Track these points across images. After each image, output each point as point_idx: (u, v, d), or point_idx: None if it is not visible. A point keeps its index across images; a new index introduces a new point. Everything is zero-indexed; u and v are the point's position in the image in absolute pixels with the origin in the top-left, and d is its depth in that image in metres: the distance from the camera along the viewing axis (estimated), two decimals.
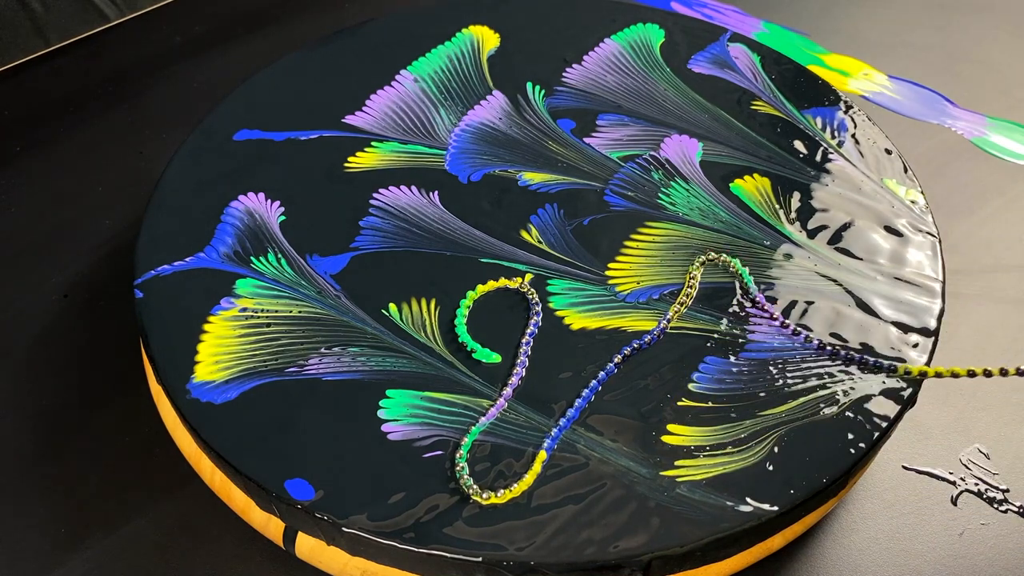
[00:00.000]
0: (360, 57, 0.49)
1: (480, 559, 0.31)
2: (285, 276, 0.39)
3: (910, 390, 0.35)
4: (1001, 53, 0.60)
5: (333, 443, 0.34)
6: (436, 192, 0.42)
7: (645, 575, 0.32)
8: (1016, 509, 0.38)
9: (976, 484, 0.39)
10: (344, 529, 0.31)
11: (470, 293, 0.38)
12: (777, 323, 0.35)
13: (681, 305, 0.34)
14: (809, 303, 0.38)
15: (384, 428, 0.34)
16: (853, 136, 0.46)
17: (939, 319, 0.38)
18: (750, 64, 0.49)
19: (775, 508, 0.32)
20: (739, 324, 0.37)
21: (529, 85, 0.48)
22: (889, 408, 0.35)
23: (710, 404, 0.35)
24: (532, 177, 0.43)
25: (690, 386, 0.35)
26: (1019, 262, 0.47)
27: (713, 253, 0.36)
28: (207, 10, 0.62)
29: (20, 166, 0.52)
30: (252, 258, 0.39)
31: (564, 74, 0.49)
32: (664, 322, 0.35)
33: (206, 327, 0.37)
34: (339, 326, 0.37)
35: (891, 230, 0.41)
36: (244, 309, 0.37)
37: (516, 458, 0.33)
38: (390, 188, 0.43)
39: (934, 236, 0.41)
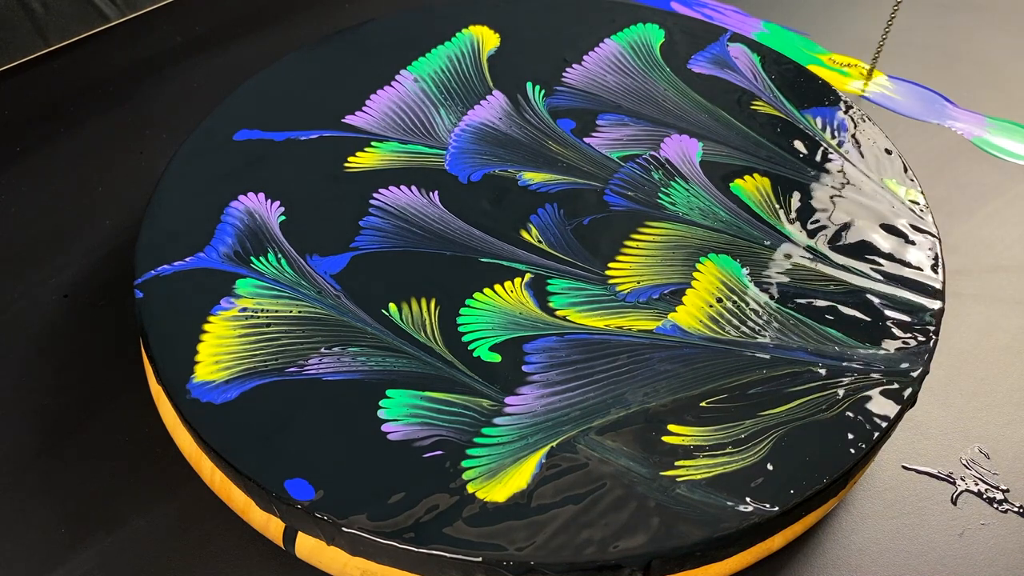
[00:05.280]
0: (360, 57, 0.49)
1: (480, 559, 0.31)
2: (285, 276, 0.39)
3: (910, 390, 0.35)
4: (1001, 53, 0.60)
5: (333, 443, 0.34)
6: (436, 192, 0.42)
7: (645, 575, 0.32)
8: (1016, 509, 0.38)
9: (976, 484, 0.39)
10: (344, 529, 0.31)
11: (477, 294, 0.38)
12: None
13: None
14: (809, 303, 0.38)
15: (384, 428, 0.34)
16: (853, 136, 0.46)
17: (939, 319, 0.38)
18: (750, 64, 0.49)
19: (775, 508, 0.32)
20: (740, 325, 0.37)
21: (529, 85, 0.48)
22: (889, 408, 0.35)
23: (709, 403, 0.35)
24: (532, 177, 0.43)
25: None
26: (1019, 262, 0.47)
27: None
28: (207, 10, 0.62)
29: (20, 166, 0.52)
30: (252, 258, 0.39)
31: (564, 74, 0.49)
32: None
33: (206, 327, 0.37)
34: (339, 326, 0.37)
35: (891, 230, 0.41)
36: (244, 309, 0.37)
37: None
38: (390, 188, 0.43)
39: (934, 236, 0.41)
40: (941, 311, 0.38)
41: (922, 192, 0.43)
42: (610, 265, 0.40)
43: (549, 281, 0.39)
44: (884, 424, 0.34)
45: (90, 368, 0.42)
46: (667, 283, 0.39)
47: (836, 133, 0.46)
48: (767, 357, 0.36)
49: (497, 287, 0.39)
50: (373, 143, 0.45)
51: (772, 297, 0.38)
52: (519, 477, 0.33)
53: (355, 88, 0.47)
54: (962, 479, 0.39)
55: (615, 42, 0.51)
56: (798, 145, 0.45)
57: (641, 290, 0.39)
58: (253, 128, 0.45)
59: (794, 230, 0.41)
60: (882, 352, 0.37)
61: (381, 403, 0.35)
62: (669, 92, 0.48)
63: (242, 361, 0.36)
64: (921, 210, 0.42)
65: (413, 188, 0.43)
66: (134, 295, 0.38)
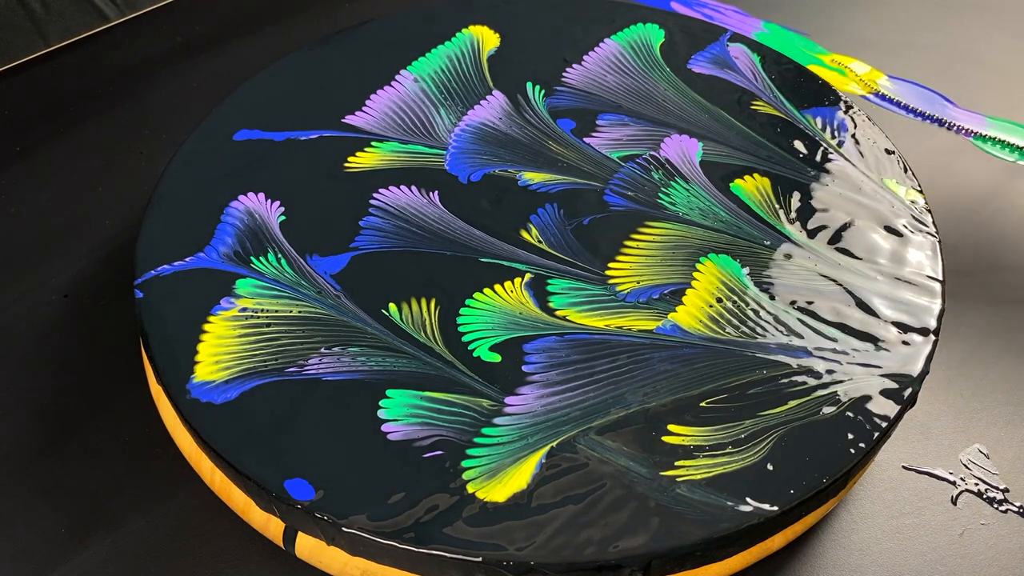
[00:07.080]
0: (360, 57, 0.49)
1: (480, 559, 0.31)
2: (285, 276, 0.39)
3: (910, 390, 0.35)
4: (1001, 53, 0.60)
5: (333, 443, 0.34)
6: (436, 192, 0.42)
7: (645, 575, 0.32)
8: (1016, 509, 0.38)
9: (976, 484, 0.39)
10: (344, 529, 0.31)
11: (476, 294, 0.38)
12: None
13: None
14: (809, 303, 0.38)
15: (384, 428, 0.34)
16: (853, 136, 0.46)
17: (939, 319, 0.38)
18: (750, 64, 0.49)
19: (775, 508, 0.32)
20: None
21: (529, 85, 0.48)
22: (889, 408, 0.35)
23: (708, 403, 0.35)
24: (532, 177, 0.43)
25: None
26: (1019, 262, 0.47)
27: None
28: (207, 10, 0.62)
29: (20, 166, 0.52)
30: (252, 258, 0.39)
31: (564, 74, 0.49)
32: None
33: (206, 327, 0.37)
34: (339, 326, 0.37)
35: (891, 230, 0.41)
36: (244, 309, 0.37)
37: None
38: (390, 188, 0.43)
39: (934, 236, 0.41)
40: (941, 311, 0.38)
41: (922, 192, 0.43)
42: (610, 265, 0.40)
43: (549, 281, 0.39)
44: (884, 424, 0.34)
45: (90, 368, 0.42)
46: (667, 283, 0.39)
47: (836, 133, 0.46)
48: (767, 357, 0.36)
49: (497, 287, 0.39)
50: (373, 143, 0.45)
51: (772, 297, 0.38)
52: (519, 477, 0.33)
53: (355, 88, 0.47)
54: (962, 479, 0.39)
55: (615, 42, 0.51)
56: (798, 145, 0.45)
57: (641, 290, 0.39)
58: (253, 128, 0.45)
59: (794, 230, 0.41)
60: (882, 352, 0.37)
61: (381, 403, 0.35)
62: (669, 92, 0.48)
63: (242, 361, 0.36)
64: (921, 210, 0.42)
65: (413, 188, 0.43)
66: (134, 295, 0.38)
